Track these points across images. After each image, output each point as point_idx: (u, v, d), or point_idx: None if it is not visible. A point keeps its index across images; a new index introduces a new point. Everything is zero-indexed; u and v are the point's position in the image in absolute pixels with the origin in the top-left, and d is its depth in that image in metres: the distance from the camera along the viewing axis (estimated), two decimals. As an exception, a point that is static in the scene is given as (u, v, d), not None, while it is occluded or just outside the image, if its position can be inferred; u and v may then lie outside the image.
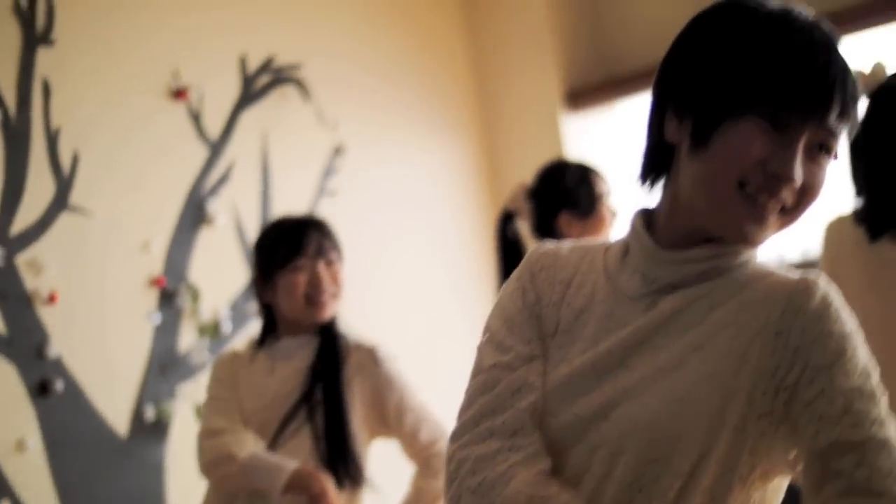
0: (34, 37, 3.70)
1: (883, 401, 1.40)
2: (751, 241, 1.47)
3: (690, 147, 1.47)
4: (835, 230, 2.81)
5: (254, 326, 4.14)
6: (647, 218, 1.58)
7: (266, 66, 4.42)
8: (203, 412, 2.97)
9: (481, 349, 1.62)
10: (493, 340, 1.61)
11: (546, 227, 3.57)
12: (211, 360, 3.93)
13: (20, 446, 3.51)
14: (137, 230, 3.92)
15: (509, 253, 3.62)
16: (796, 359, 1.39)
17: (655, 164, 1.57)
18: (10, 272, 3.56)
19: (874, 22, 4.35)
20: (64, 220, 3.71)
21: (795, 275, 1.46)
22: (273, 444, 2.80)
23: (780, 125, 1.41)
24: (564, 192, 3.55)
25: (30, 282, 3.60)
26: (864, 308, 2.66)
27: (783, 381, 1.39)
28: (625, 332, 1.51)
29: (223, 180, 4.22)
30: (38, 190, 3.66)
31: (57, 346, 3.63)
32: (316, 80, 4.58)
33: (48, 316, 3.63)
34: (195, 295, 4.02)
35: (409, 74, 5.10)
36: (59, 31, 3.76)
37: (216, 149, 4.21)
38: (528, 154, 5.16)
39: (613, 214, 3.61)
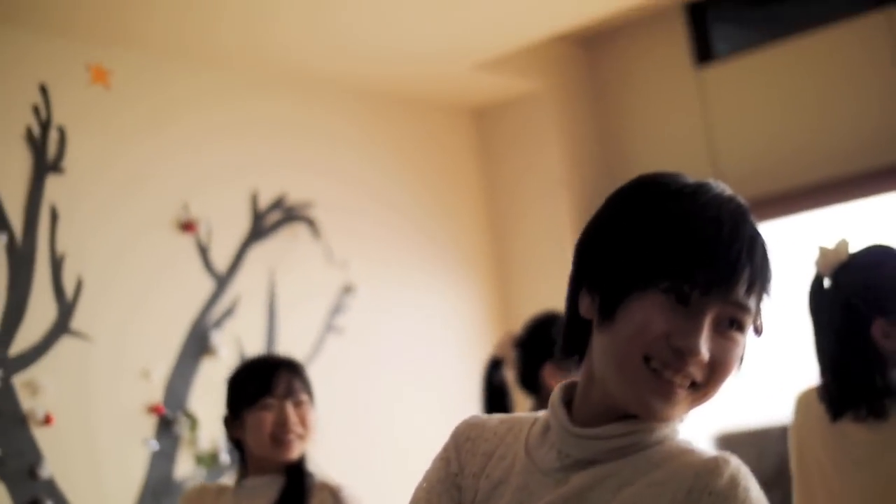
0: (44, 164, 3.80)
1: None
2: (658, 416, 1.44)
3: (598, 321, 1.47)
4: (803, 402, 2.78)
5: (254, 459, 4.12)
6: (567, 392, 1.58)
7: (277, 204, 4.51)
8: None
9: None
10: None
11: (530, 378, 3.56)
12: (205, 489, 3.89)
13: (6, 567, 3.48)
14: (138, 357, 3.95)
15: (494, 400, 3.61)
16: None
17: (573, 340, 1.56)
18: (7, 392, 3.58)
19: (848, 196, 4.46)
20: (64, 344, 3.75)
21: (709, 454, 1.42)
22: None
23: (683, 299, 1.40)
24: (550, 344, 3.53)
25: (26, 402, 3.62)
26: (825, 481, 2.66)
27: None
28: None
29: (228, 313, 4.26)
30: (40, 313, 3.71)
31: (50, 467, 3.63)
32: (326, 217, 4.67)
33: (43, 437, 3.63)
34: (193, 423, 4.02)
35: (420, 215, 5.18)
36: (69, 160, 3.87)
37: (222, 282, 4.27)
38: (541, 293, 5.17)
39: None
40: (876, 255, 2.68)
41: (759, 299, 1.45)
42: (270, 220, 4.49)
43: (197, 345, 4.13)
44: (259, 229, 4.44)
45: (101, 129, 4.02)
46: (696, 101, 5.09)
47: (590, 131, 5.44)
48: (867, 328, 2.58)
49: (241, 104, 4.54)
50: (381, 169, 5.05)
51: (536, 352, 3.51)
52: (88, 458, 3.77)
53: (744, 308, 1.42)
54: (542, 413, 1.63)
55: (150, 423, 3.95)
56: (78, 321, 3.79)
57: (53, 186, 3.82)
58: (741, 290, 1.40)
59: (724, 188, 1.50)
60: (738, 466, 1.38)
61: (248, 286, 4.36)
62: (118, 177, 4.03)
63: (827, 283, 2.68)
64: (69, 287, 3.79)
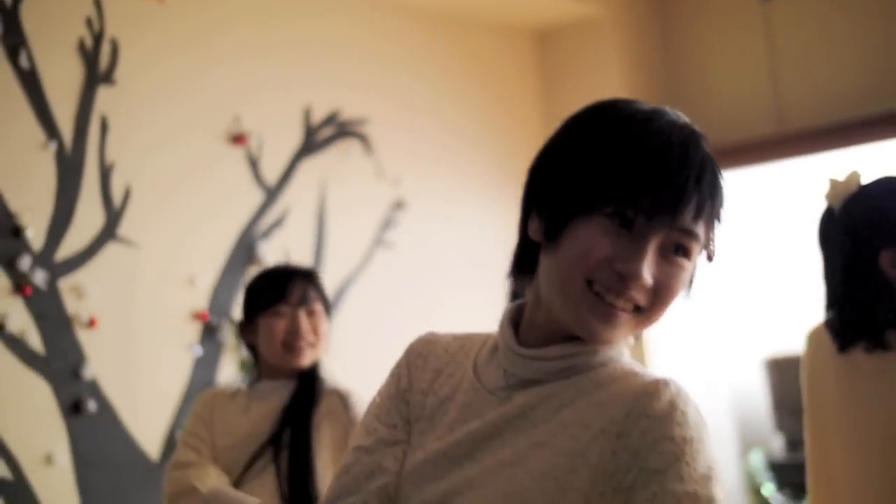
0: (96, 75, 3.90)
1: None
2: (600, 339, 1.46)
3: (545, 244, 1.49)
4: (814, 337, 2.77)
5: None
6: (515, 314, 1.59)
7: (330, 119, 4.57)
8: (177, 445, 3.04)
9: (355, 430, 1.69)
10: (363, 423, 1.66)
11: None
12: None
13: (48, 461, 3.64)
14: (185, 265, 4.06)
15: None
16: (634, 461, 1.36)
17: (523, 263, 1.58)
18: (52, 295, 3.72)
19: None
20: (110, 250, 3.87)
21: (651, 377, 1.44)
22: (239, 481, 2.84)
23: (628, 224, 1.41)
24: None
25: (71, 306, 3.76)
26: (839, 415, 2.66)
27: (620, 483, 1.37)
28: (478, 423, 1.52)
29: (277, 224, 4.35)
30: (87, 220, 3.83)
31: (93, 369, 3.77)
32: (379, 135, 4.73)
33: (87, 339, 3.77)
34: (237, 331, 4.13)
35: (474, 135, 5.20)
36: (121, 72, 3.96)
37: (272, 194, 4.36)
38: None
39: None
40: (886, 186, 2.65)
41: (709, 226, 1.47)
42: (323, 134, 4.56)
43: (244, 254, 4.24)
44: (311, 143, 4.51)
45: (154, 41, 4.09)
46: (761, 34, 5.00)
47: (653, 60, 5.39)
48: (874, 258, 2.57)
49: (295, 21, 4.58)
50: (435, 89, 5.08)
51: None
52: (132, 361, 3.91)
53: (690, 234, 1.44)
54: (493, 333, 1.65)
55: (194, 330, 4.08)
56: (125, 228, 3.91)
57: (104, 97, 3.92)
58: (688, 216, 1.42)
59: (679, 116, 1.50)
60: (677, 390, 1.40)
61: (297, 199, 4.45)
62: (170, 89, 4.11)
63: (836, 214, 2.67)
64: (117, 195, 3.91)
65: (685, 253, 1.45)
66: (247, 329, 3.03)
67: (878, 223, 2.58)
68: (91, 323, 3.78)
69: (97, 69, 3.90)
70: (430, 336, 1.71)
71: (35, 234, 3.69)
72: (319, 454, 2.81)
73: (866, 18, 4.72)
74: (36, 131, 3.74)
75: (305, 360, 2.93)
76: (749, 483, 5.54)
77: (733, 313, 5.36)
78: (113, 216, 3.89)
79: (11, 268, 3.62)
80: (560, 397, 1.47)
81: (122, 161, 3.93)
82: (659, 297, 1.45)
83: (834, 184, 2.68)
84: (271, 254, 4.30)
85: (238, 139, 4.26)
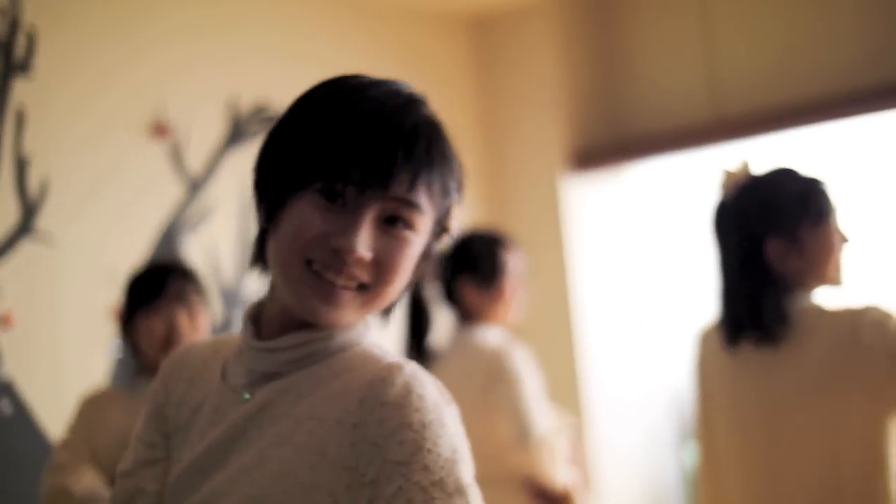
0: (12, 66, 3.78)
1: (471, 492, 1.33)
2: (325, 320, 1.40)
3: (270, 229, 1.44)
4: (703, 337, 2.77)
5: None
6: (256, 309, 1.53)
7: (257, 111, 4.47)
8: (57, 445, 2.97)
9: None
10: (129, 445, 1.60)
11: (449, 293, 3.58)
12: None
13: (-39, 464, 3.54)
14: (106, 260, 3.96)
15: (415, 315, 3.61)
16: (375, 453, 1.31)
17: (260, 251, 1.51)
18: (-35, 292, 3.61)
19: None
20: (27, 246, 3.76)
21: (386, 361, 1.39)
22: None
23: (339, 198, 1.36)
24: (466, 258, 3.54)
25: (-15, 303, 3.65)
26: (726, 412, 2.63)
27: (364, 476, 1.31)
28: (223, 426, 1.46)
29: (201, 219, 4.25)
30: (2, 214, 3.72)
31: (8, 369, 3.66)
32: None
33: (2, 338, 3.66)
34: (160, 329, 4.03)
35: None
36: (38, 62, 3.83)
37: (196, 187, 4.26)
38: (529, 214, 5.15)
39: (519, 287, 3.58)
40: (776, 177, 2.62)
41: (435, 195, 1.42)
42: (249, 125, 4.46)
43: (167, 249, 4.14)
44: (237, 135, 4.42)
45: (72, 30, 3.98)
46: (696, 18, 4.96)
47: (588, 46, 5.33)
48: (761, 248, 2.54)
49: (219, 9, 4.48)
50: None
51: (454, 266, 3.54)
52: (50, 360, 3.80)
53: (408, 204, 1.38)
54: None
55: (114, 327, 3.97)
56: (43, 223, 3.80)
57: (21, 89, 3.80)
58: (402, 185, 1.37)
59: (401, 85, 1.47)
60: (412, 373, 1.35)
61: (223, 192, 4.35)
62: (89, 79, 4.00)
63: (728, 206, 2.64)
64: (34, 189, 3.80)
65: (407, 224, 1.40)
66: (127, 327, 2.97)
67: (765, 213, 2.55)
68: (6, 320, 3.67)
69: (12, 59, 3.78)
70: (187, 345, 1.64)
71: (-54, 231, 3.59)
72: None
73: (800, 1, 4.70)
74: (-52, 123, 3.63)
75: None
76: (686, 476, 5.53)
77: (671, 303, 5.33)
78: (29, 210, 3.78)
79: (-78, 265, 3.51)
80: (298, 389, 1.42)
81: (40, 154, 3.82)
82: (382, 271, 1.39)
83: (727, 175, 2.65)
84: (196, 248, 4.21)
85: (160, 130, 4.16)
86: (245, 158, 4.39)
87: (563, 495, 3.30)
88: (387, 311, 1.52)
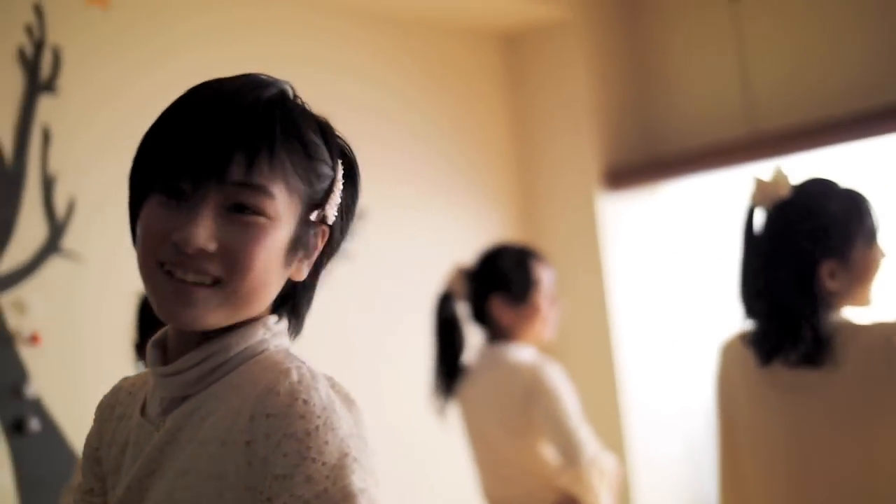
0: (37, 84, 3.79)
1: (361, 499, 1.22)
2: (185, 323, 1.33)
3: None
4: (727, 350, 2.65)
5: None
6: (163, 335, 1.47)
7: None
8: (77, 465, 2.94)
9: None
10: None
11: (480, 311, 3.50)
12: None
13: (-11, 483, 3.53)
14: (133, 278, 3.91)
15: (445, 334, 3.56)
16: (265, 469, 1.24)
17: None
18: (-7, 311, 3.61)
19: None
20: (54, 264, 3.76)
21: (278, 368, 1.31)
22: None
23: (177, 194, 1.32)
24: (498, 275, 3.47)
25: (12, 321, 3.64)
26: (750, 432, 2.52)
27: (262, 495, 1.24)
28: (139, 461, 1.39)
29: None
30: (29, 233, 3.72)
31: (36, 387, 3.65)
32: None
33: (29, 356, 3.66)
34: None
35: (442, 139, 5.09)
36: (64, 81, 3.85)
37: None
38: (564, 232, 5.10)
39: (553, 304, 3.50)
40: (818, 191, 2.51)
41: (291, 178, 1.35)
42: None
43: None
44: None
45: (98, 48, 3.99)
46: (730, 34, 4.89)
47: (620, 62, 5.28)
48: (812, 268, 2.42)
49: (249, 27, 4.47)
50: (397, 95, 4.96)
51: (484, 283, 3.47)
52: (76, 378, 3.79)
53: (251, 188, 1.31)
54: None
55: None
56: (69, 241, 3.80)
57: (46, 107, 3.81)
58: (239, 169, 1.31)
59: (256, 75, 1.44)
60: (299, 377, 1.27)
61: (253, 209, 4.32)
62: (116, 97, 4.00)
63: (763, 216, 2.53)
64: (61, 207, 3.80)
65: (255, 210, 1.33)
66: (140, 350, 2.92)
67: (817, 233, 2.44)
68: (34, 339, 3.66)
69: (38, 78, 3.80)
70: (118, 384, 1.59)
71: (-27, 250, 3.59)
72: None
73: (837, 17, 4.62)
74: (-26, 142, 3.64)
75: None
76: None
77: (708, 319, 5.24)
78: (56, 229, 3.78)
79: (-51, 284, 3.52)
80: (202, 410, 1.35)
81: (66, 172, 3.82)
82: (233, 262, 1.32)
83: (760, 185, 2.53)
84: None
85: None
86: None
87: None
88: (295, 314, 1.48)
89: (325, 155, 1.41)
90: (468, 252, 5.00)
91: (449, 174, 5.11)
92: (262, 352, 1.38)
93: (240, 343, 1.37)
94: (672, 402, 5.17)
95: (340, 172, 1.44)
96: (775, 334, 2.44)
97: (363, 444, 1.27)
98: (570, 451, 3.16)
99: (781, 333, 2.42)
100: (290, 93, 1.43)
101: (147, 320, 2.89)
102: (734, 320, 2.62)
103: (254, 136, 1.31)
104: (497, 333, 3.49)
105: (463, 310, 3.60)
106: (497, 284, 3.45)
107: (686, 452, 5.19)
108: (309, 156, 1.38)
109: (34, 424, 3.62)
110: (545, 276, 3.51)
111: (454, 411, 3.70)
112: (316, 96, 4.37)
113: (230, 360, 1.36)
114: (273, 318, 1.42)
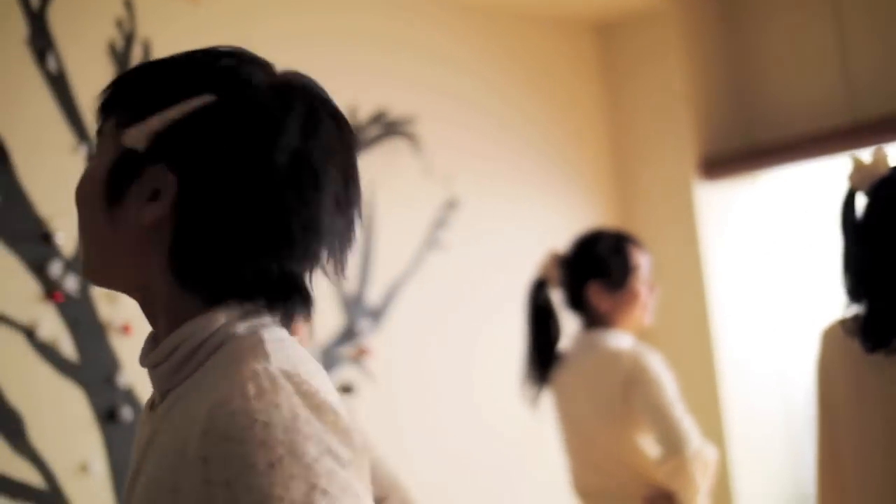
0: (127, 79, 3.82)
1: None
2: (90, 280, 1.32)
3: None
4: (829, 337, 2.50)
5: (345, 372, 4.10)
6: None
7: (378, 118, 4.44)
8: None
9: None
10: None
11: (576, 298, 3.42)
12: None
13: (84, 470, 3.56)
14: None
15: (540, 322, 3.48)
16: (230, 496, 1.10)
17: None
18: (85, 301, 3.64)
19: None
20: (146, 254, 3.77)
21: (235, 371, 1.17)
22: None
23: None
24: (595, 261, 3.39)
25: (104, 312, 3.67)
26: (850, 422, 2.38)
27: None
28: (134, 459, 1.33)
29: (320, 226, 4.23)
30: (121, 224, 3.74)
31: (128, 376, 3.68)
32: (430, 132, 4.59)
33: (121, 346, 3.69)
34: (281, 336, 4.01)
35: (535, 133, 5.04)
36: (154, 74, 3.87)
37: (316, 195, 4.23)
38: (660, 222, 5.01)
39: (651, 289, 3.40)
40: None
41: (116, 110, 1.31)
42: (369, 133, 4.43)
43: (286, 257, 4.12)
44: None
45: (188, 42, 3.97)
46: (829, 20, 4.76)
47: (716, 50, 5.17)
48: None
49: (337, 16, 4.47)
50: (488, 84, 4.93)
51: (581, 269, 3.38)
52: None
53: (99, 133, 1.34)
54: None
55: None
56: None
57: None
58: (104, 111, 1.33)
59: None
60: (256, 391, 1.13)
61: (341, 199, 4.31)
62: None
63: (863, 198, 2.40)
64: (152, 199, 3.82)
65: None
66: None
67: None
68: (125, 329, 3.70)
69: (128, 68, 3.82)
70: None
71: (66, 240, 3.62)
72: None
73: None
74: (66, 135, 3.67)
75: None
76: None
77: (810, 312, 5.10)
78: (146, 220, 3.80)
79: (42, 274, 3.55)
80: (175, 409, 1.24)
81: (157, 164, 3.84)
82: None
83: (859, 165, 2.40)
84: (315, 256, 4.18)
85: (280, 140, 4.14)
86: (364, 166, 4.36)
87: None
88: (281, 299, 1.30)
89: (147, 76, 1.34)
90: (563, 242, 4.96)
91: (543, 164, 5.06)
92: (226, 341, 1.25)
93: (199, 331, 1.25)
94: (772, 393, 5.04)
95: (201, 100, 1.29)
96: (883, 320, 2.30)
97: (335, 458, 1.14)
98: (673, 441, 3.06)
99: (889, 318, 2.30)
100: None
101: None
102: (835, 309, 2.49)
103: (106, 92, 1.34)
104: (594, 320, 3.42)
105: (557, 297, 3.54)
106: (594, 270, 3.38)
107: (787, 443, 5.06)
108: (139, 82, 1.33)
109: (126, 413, 3.65)
110: (643, 262, 3.43)
111: (548, 401, 3.64)
112: (407, 85, 4.36)
113: (198, 351, 1.25)
114: (239, 301, 1.28)
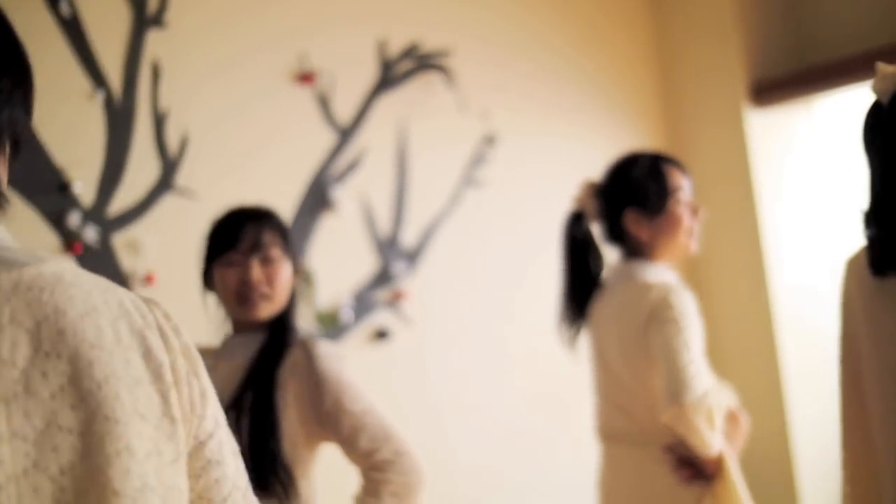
0: (145, 18, 3.70)
1: None
2: None
3: None
4: (851, 265, 2.30)
5: (380, 317, 3.99)
6: None
7: (409, 52, 4.27)
8: None
9: None
10: None
11: (614, 229, 3.19)
12: (324, 349, 3.84)
13: (108, 425, 3.48)
14: (247, 213, 3.84)
15: (578, 256, 3.27)
16: None
17: None
18: (106, 252, 3.55)
19: None
20: (167, 202, 3.68)
21: None
22: None
23: None
24: (630, 186, 3.14)
25: (126, 262, 3.58)
26: (869, 352, 2.19)
27: None
28: None
29: (352, 167, 4.09)
30: (141, 171, 3.65)
31: (152, 327, 3.58)
32: (464, 66, 4.42)
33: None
34: (310, 281, 3.90)
35: (577, 63, 4.84)
36: (172, 12, 3.74)
37: (346, 135, 4.09)
38: (710, 151, 4.80)
39: (693, 212, 3.15)
40: None
41: None
42: (401, 68, 4.27)
43: (316, 200, 4.00)
44: (388, 79, 4.23)
45: (206, -20, 3.88)
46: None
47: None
48: None
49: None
50: (524, 16, 4.72)
51: (617, 197, 3.16)
52: (191, 316, 3.69)
53: None
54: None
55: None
56: (182, 178, 3.71)
57: (155, 41, 3.71)
58: None
59: None
60: None
61: (374, 139, 4.17)
62: (228, 29, 3.88)
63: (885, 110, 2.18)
64: (173, 144, 3.71)
65: None
66: (208, 279, 2.77)
67: None
68: (148, 279, 3.60)
69: (145, 12, 3.70)
70: None
71: (84, 189, 3.52)
72: (285, 415, 2.53)
73: None
74: (81, 81, 3.56)
75: (261, 313, 2.62)
76: None
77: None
78: (169, 166, 3.69)
79: (60, 225, 3.46)
80: None
81: (178, 108, 3.73)
82: None
83: (883, 74, 2.17)
84: (347, 198, 4.05)
85: (305, 77, 4.00)
86: (396, 102, 4.22)
87: (714, 463, 2.94)
88: None
89: None
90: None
91: (585, 95, 4.86)
92: None
93: None
94: (826, 321, 4.84)
95: None
96: (889, 240, 2.12)
97: None
98: (673, 387, 2.85)
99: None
100: None
101: (211, 250, 2.73)
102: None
103: None
104: (634, 251, 3.18)
105: (596, 230, 3.33)
106: (630, 197, 3.13)
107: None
108: None
109: (152, 366, 3.56)
110: (683, 184, 3.16)
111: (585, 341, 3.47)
112: (440, 18, 4.18)
113: None
114: None
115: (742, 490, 2.94)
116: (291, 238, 2.77)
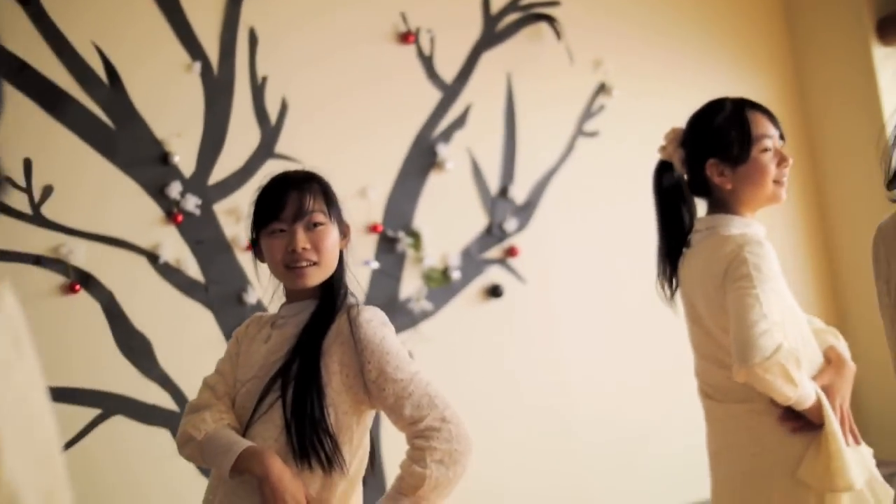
0: (240, -13, 3.73)
1: None
2: None
3: None
4: (881, 230, 2.15)
5: (493, 274, 3.95)
6: None
7: (512, 4, 4.20)
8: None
9: None
10: None
11: (698, 179, 3.03)
12: (433, 308, 3.82)
13: (217, 390, 3.55)
14: (354, 177, 3.85)
15: (669, 208, 3.12)
16: None
17: None
18: (208, 220, 3.60)
19: None
20: (269, 168, 3.68)
21: None
22: (251, 418, 2.59)
23: None
24: (711, 134, 2.97)
25: (229, 229, 3.63)
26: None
27: None
28: None
29: (457, 124, 4.05)
30: (242, 139, 3.68)
31: (257, 293, 3.63)
32: (572, 16, 4.31)
33: (249, 263, 3.63)
34: (417, 241, 3.88)
35: (694, 5, 4.66)
36: (267, -20, 3.77)
37: (450, 92, 4.05)
38: (838, 94, 4.56)
39: (780, 161, 2.95)
40: None
41: None
42: (505, 21, 4.19)
43: (422, 159, 3.97)
44: (491, 33, 4.16)
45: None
46: None
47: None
48: None
49: None
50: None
51: (699, 146, 3.00)
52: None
53: None
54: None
55: (369, 243, 3.86)
56: (283, 145, 3.74)
57: (250, 9, 3.74)
58: None
59: None
60: None
61: (480, 94, 4.12)
62: (323, -8, 3.89)
63: None
64: (272, 111, 3.74)
65: None
66: (257, 249, 2.75)
67: None
68: (249, 247, 3.63)
69: (240, -20, 3.73)
70: None
71: (184, 160, 3.58)
72: (330, 383, 2.50)
73: None
74: (178, 53, 3.62)
75: (310, 280, 2.57)
76: None
77: None
78: (269, 133, 3.72)
79: (162, 196, 3.53)
80: None
81: (275, 74, 3.75)
82: None
83: None
84: (454, 156, 4.01)
85: (406, 37, 3.98)
86: (502, 57, 4.15)
87: (816, 411, 2.79)
88: None
89: None
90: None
91: (702, 41, 4.69)
92: None
93: None
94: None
95: None
96: None
97: None
98: (740, 347, 2.70)
99: None
100: None
101: (257, 218, 2.70)
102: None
103: None
104: (720, 203, 3.04)
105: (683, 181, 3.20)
106: (712, 146, 2.99)
107: None
108: None
109: (256, 331, 3.61)
110: (770, 130, 2.99)
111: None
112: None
113: None
114: None
115: (839, 437, 2.79)
116: (335, 200, 2.73)
